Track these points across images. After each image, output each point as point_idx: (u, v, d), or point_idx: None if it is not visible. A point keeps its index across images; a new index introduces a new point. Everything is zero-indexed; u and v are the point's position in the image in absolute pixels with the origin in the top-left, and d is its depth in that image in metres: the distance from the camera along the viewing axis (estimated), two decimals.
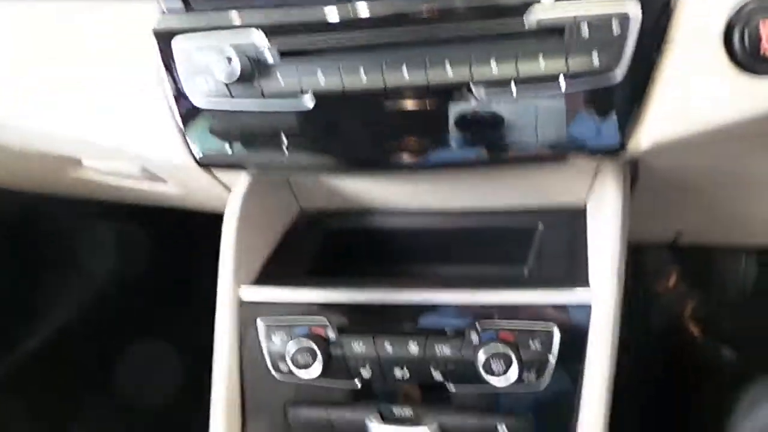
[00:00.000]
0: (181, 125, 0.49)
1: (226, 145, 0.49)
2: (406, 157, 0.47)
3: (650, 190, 0.63)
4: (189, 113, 0.48)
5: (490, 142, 0.45)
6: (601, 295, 0.51)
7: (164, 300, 1.49)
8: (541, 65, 0.42)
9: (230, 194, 0.63)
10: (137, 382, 1.38)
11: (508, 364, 0.51)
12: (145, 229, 1.45)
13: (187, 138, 0.50)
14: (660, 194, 0.65)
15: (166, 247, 1.51)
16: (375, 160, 0.47)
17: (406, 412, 0.56)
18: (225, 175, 0.70)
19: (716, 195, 0.63)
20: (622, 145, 0.42)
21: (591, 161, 0.52)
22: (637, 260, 1.25)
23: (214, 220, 0.64)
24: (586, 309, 0.52)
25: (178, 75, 0.49)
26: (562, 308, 0.53)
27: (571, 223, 0.62)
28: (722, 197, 0.64)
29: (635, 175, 0.61)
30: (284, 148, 0.48)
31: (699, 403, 0.86)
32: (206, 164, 0.51)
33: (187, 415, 0.60)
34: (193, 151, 0.51)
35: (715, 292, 1.25)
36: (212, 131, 0.48)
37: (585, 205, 0.64)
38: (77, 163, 0.80)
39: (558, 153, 0.44)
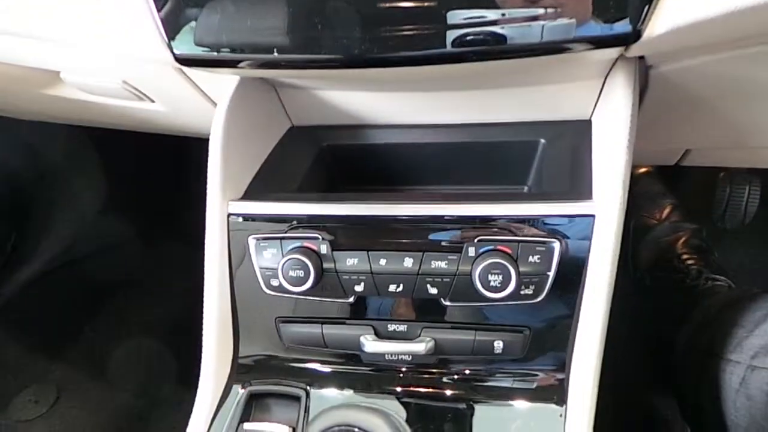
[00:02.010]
0: (156, 14, 0.45)
1: (204, 36, 0.45)
2: (399, 50, 0.43)
3: (659, 104, 0.60)
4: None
5: (490, 33, 0.41)
6: (605, 204, 0.49)
7: (158, 223, 1.48)
8: None
9: (216, 107, 0.59)
10: (132, 307, 1.40)
11: (506, 278, 0.50)
12: (138, 156, 1.43)
13: (163, 29, 0.46)
14: (669, 109, 0.62)
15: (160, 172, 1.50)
16: (364, 53, 0.43)
17: (401, 327, 0.56)
18: (209, 86, 0.66)
19: (727, 108, 0.60)
20: (637, 33, 0.39)
21: (600, 58, 0.48)
22: (631, 191, 1.23)
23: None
24: (589, 220, 0.50)
25: None
26: (563, 220, 0.51)
27: (575, 137, 0.59)
28: (733, 110, 0.60)
29: (644, 86, 0.58)
30: (265, 38, 0.44)
31: (694, 323, 0.86)
32: (185, 61, 0.47)
33: (181, 337, 0.58)
34: (172, 47, 0.47)
35: (710, 222, 1.24)
36: (189, 19, 0.44)
37: (590, 119, 0.61)
38: (56, 77, 0.76)
39: (568, 43, 0.40)
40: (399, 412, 0.54)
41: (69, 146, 1.38)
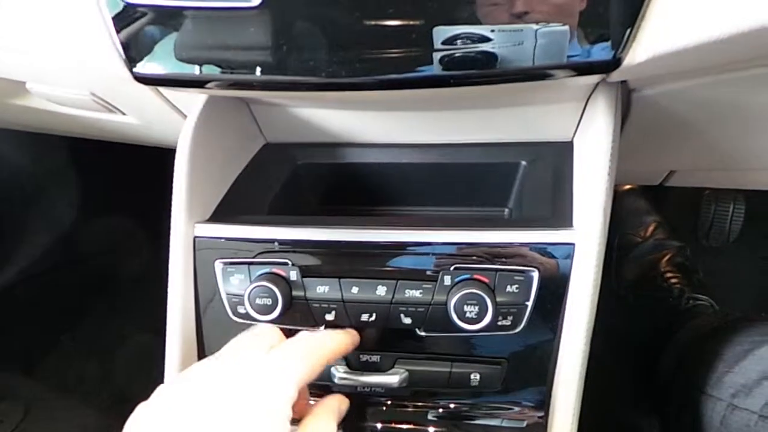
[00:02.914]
0: (115, 34, 0.42)
1: (164, 56, 0.43)
2: (373, 74, 0.41)
3: (642, 127, 0.59)
4: (121, 14, 0.41)
5: (471, 58, 0.39)
6: (585, 233, 0.47)
7: (136, 232, 1.45)
8: None
9: (185, 122, 0.57)
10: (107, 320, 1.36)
11: (483, 309, 0.47)
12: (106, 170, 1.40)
13: (120, 45, 0.43)
14: (652, 131, 0.61)
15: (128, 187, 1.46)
16: (336, 76, 0.41)
17: (374, 358, 0.53)
18: (179, 100, 0.64)
19: (711, 131, 0.59)
20: (617, 61, 0.37)
21: (581, 83, 0.47)
22: (615, 208, 1.23)
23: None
24: (569, 249, 0.48)
25: None
26: (542, 249, 0.49)
27: (556, 160, 0.58)
28: (718, 133, 0.59)
29: (627, 109, 0.56)
30: (230, 58, 0.42)
31: (676, 350, 0.84)
32: (145, 80, 0.45)
33: (157, 352, 0.56)
34: (131, 67, 0.44)
35: (695, 240, 1.23)
36: (149, 38, 0.42)
37: (572, 141, 0.59)
38: (22, 87, 0.73)
39: (548, 69, 0.38)
40: None
41: (46, 152, 1.35)
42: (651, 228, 1.18)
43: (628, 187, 1.25)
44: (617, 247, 1.21)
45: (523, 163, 0.60)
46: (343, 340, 0.49)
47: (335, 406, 0.47)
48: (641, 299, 1.12)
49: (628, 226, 1.20)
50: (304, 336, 0.46)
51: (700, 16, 0.35)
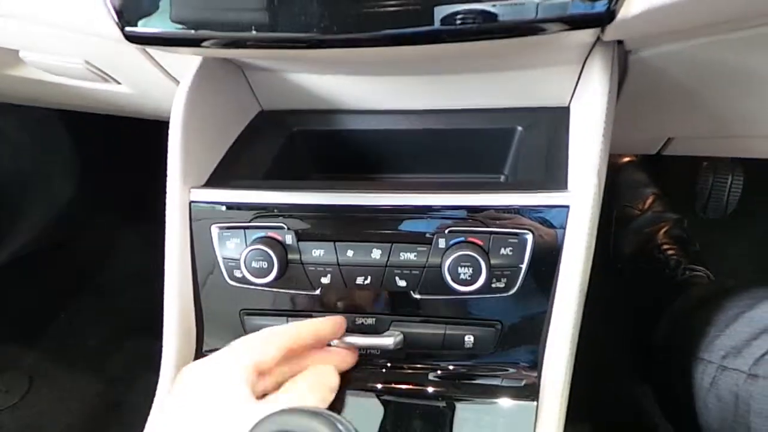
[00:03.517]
0: None
1: (156, 13, 0.42)
2: (369, 29, 0.40)
3: (639, 91, 0.58)
4: None
5: (466, 12, 0.38)
6: (579, 195, 0.47)
7: (136, 207, 1.45)
8: None
9: (178, 86, 0.56)
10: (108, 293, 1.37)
11: (477, 271, 0.48)
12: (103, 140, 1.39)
13: (111, 6, 0.43)
14: (649, 96, 0.60)
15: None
16: (330, 32, 0.40)
17: (369, 321, 0.54)
18: (174, 66, 0.63)
19: (709, 95, 0.58)
20: (611, 13, 0.36)
21: (576, 41, 0.46)
22: (614, 181, 1.23)
23: None
24: (563, 211, 0.48)
25: None
26: (536, 211, 0.49)
27: (552, 125, 0.57)
28: (716, 98, 0.59)
29: (624, 73, 0.56)
30: (225, 15, 0.41)
31: (670, 319, 0.85)
32: (136, 39, 0.44)
33: (159, 324, 0.56)
34: (121, 24, 0.44)
35: (693, 212, 1.23)
36: None
37: (569, 106, 0.59)
38: (16, 56, 0.72)
39: (542, 23, 0.38)
40: (360, 407, 0.52)
41: (41, 129, 1.34)
42: (649, 200, 1.18)
43: (626, 159, 1.24)
44: (615, 220, 1.21)
45: (520, 128, 0.60)
46: (319, 324, 0.50)
47: (319, 380, 0.48)
48: (638, 271, 1.13)
49: (626, 199, 1.20)
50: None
51: None
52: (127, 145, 1.43)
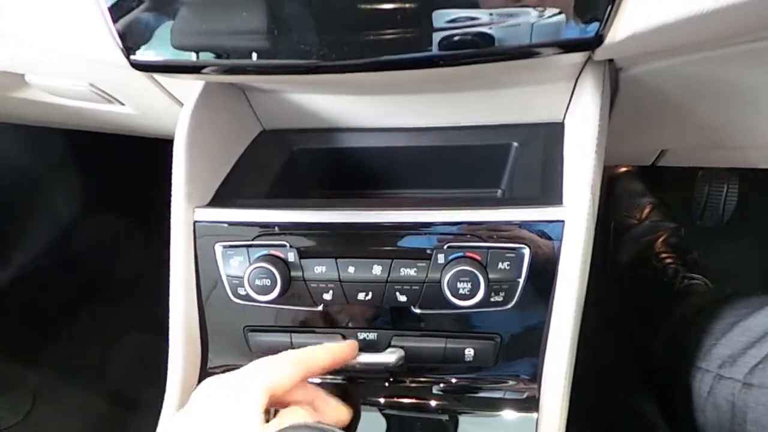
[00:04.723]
0: (111, 22, 0.43)
1: (160, 42, 0.44)
2: (367, 55, 0.42)
3: (631, 106, 0.60)
4: (117, 3, 0.42)
5: (454, 37, 0.40)
6: (574, 210, 0.48)
7: (139, 225, 1.46)
8: None
9: (182, 109, 0.58)
10: (111, 311, 1.38)
11: (475, 285, 0.49)
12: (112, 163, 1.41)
13: (117, 34, 0.44)
14: (641, 110, 0.62)
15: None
16: (331, 58, 0.42)
17: (371, 336, 0.55)
18: (178, 89, 0.65)
19: (700, 109, 0.60)
20: (599, 38, 0.38)
21: (567, 62, 0.48)
22: (611, 191, 1.24)
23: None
24: (559, 225, 0.49)
25: None
26: (533, 226, 0.50)
27: (547, 140, 0.59)
28: (707, 111, 0.60)
29: (615, 89, 0.57)
30: (226, 43, 0.43)
31: (669, 328, 0.86)
32: (142, 67, 0.46)
33: (162, 340, 0.57)
34: (127, 54, 0.45)
35: (690, 221, 1.24)
36: (145, 24, 0.43)
37: (563, 122, 0.60)
38: (22, 80, 0.74)
39: (535, 48, 0.40)
40: (364, 422, 0.53)
41: (46, 146, 1.36)
42: (646, 210, 1.20)
43: (623, 169, 1.26)
44: (613, 230, 1.22)
45: (515, 144, 0.61)
46: (336, 349, 0.51)
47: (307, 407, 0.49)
48: (637, 280, 1.14)
49: (623, 208, 1.21)
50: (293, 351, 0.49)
51: None
52: (131, 160, 1.44)
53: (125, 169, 1.46)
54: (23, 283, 1.34)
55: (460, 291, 0.49)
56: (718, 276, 1.08)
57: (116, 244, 1.47)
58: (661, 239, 1.12)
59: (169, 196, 0.56)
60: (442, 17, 0.40)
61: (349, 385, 0.56)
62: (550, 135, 0.59)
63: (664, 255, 1.09)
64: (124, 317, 1.36)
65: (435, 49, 0.41)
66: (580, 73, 0.53)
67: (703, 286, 1.00)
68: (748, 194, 1.21)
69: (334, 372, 0.56)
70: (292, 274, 0.53)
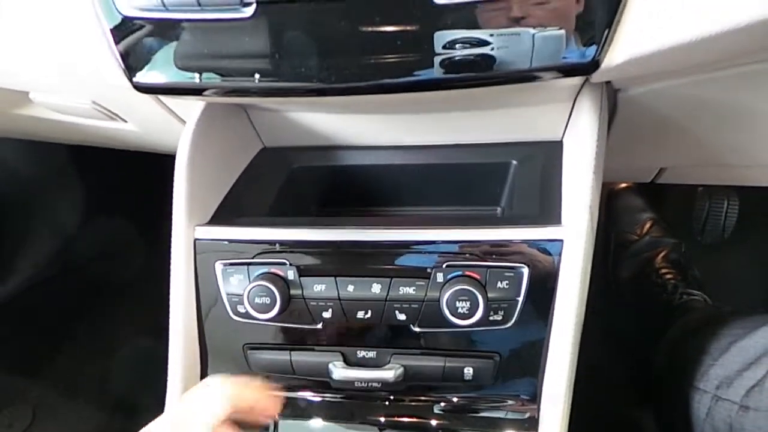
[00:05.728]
0: (114, 45, 0.44)
1: (162, 64, 0.44)
2: (369, 78, 0.42)
3: (629, 126, 0.60)
4: (119, 27, 0.43)
5: (454, 62, 0.41)
6: (573, 229, 0.49)
7: (140, 234, 1.46)
8: None
9: (184, 127, 0.58)
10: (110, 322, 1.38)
11: (474, 304, 0.49)
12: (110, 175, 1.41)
13: (119, 56, 0.45)
14: (639, 130, 0.62)
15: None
16: (324, 82, 0.42)
17: (370, 354, 0.55)
18: (177, 106, 0.65)
19: (698, 128, 0.60)
20: (596, 63, 0.39)
21: (565, 84, 0.48)
22: (611, 207, 1.25)
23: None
24: (558, 245, 0.49)
25: None
26: (532, 245, 0.50)
27: (546, 159, 0.59)
28: (704, 131, 0.61)
29: (613, 109, 0.58)
30: (227, 66, 0.43)
31: (668, 345, 0.86)
32: (144, 89, 0.47)
33: (163, 352, 0.57)
34: (130, 77, 0.46)
35: (690, 236, 1.24)
36: (147, 48, 0.43)
37: (562, 140, 0.60)
38: (25, 97, 0.75)
39: (534, 72, 0.40)
40: None
41: (48, 157, 1.36)
42: (647, 226, 1.20)
43: (623, 185, 1.26)
44: (614, 245, 1.22)
45: (514, 162, 0.61)
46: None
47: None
48: (637, 296, 1.13)
49: (624, 225, 1.22)
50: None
51: (673, 20, 0.36)
52: (133, 169, 1.44)
53: (126, 178, 1.47)
54: (23, 295, 1.34)
55: (459, 310, 0.49)
56: (719, 292, 1.08)
57: (117, 253, 1.48)
58: (661, 255, 1.12)
59: (170, 206, 0.56)
60: (442, 41, 0.41)
61: (349, 403, 0.56)
62: (549, 153, 0.59)
63: (664, 271, 1.09)
64: (124, 330, 1.36)
65: (436, 73, 0.42)
66: (578, 94, 0.54)
67: (703, 302, 1.00)
68: (749, 210, 1.21)
69: (335, 390, 0.56)
70: (292, 292, 0.53)
